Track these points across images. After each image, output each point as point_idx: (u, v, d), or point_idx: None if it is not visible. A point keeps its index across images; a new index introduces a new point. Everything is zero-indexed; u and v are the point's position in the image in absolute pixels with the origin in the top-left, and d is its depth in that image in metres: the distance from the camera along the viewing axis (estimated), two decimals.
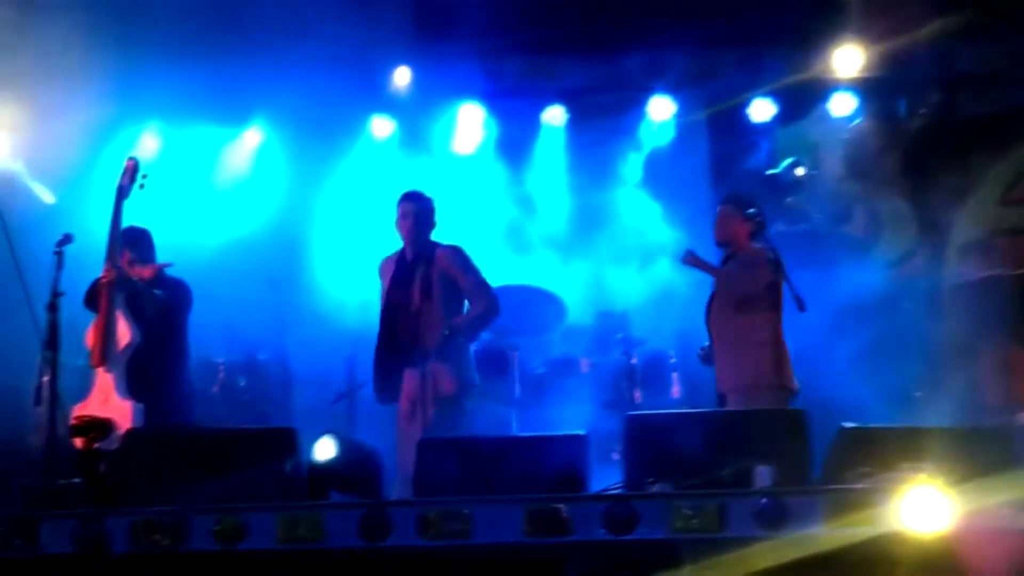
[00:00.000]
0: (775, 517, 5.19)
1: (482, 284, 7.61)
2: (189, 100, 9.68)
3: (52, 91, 8.95)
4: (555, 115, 10.37)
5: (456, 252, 7.66)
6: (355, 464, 6.08)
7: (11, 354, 7.66)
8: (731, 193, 8.05)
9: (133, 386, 7.31)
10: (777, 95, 10.15)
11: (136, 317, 7.40)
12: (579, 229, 10.42)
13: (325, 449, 6.04)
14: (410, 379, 7.48)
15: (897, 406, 8.38)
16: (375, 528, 5.34)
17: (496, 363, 8.88)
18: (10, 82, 8.95)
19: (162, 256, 7.79)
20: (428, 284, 7.52)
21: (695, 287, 8.18)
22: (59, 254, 7.09)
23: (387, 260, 7.77)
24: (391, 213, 7.74)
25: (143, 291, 7.46)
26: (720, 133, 10.31)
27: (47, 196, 9.46)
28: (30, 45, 8.70)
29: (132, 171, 7.45)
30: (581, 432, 6.07)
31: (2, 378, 7.86)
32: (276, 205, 10.16)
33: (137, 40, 8.95)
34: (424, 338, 7.43)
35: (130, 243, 7.58)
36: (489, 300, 7.59)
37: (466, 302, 7.60)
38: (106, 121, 9.35)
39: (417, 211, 7.67)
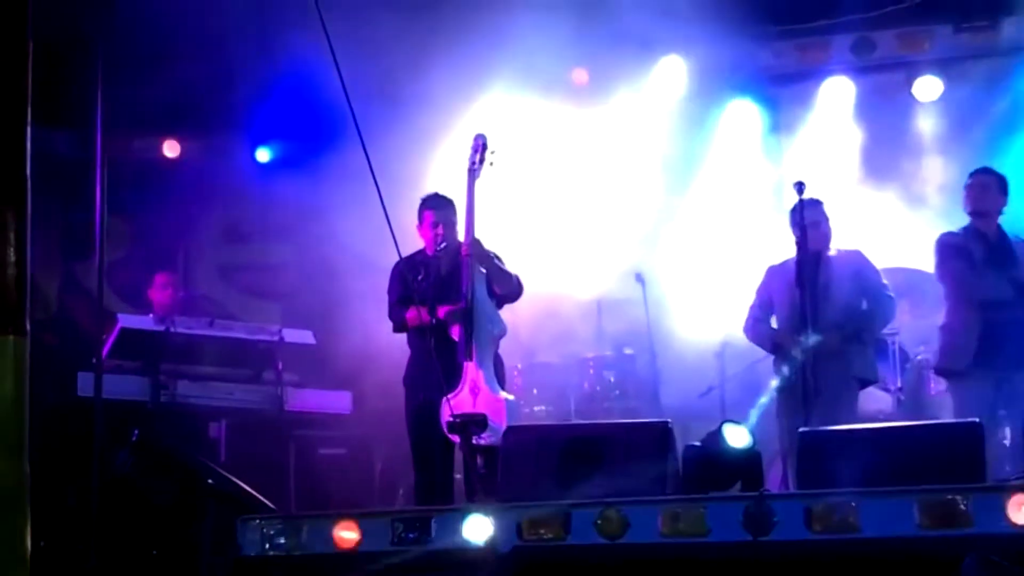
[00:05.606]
0: None
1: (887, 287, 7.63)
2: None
3: None
4: (928, 86, 9.84)
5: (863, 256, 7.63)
6: (737, 456, 5.93)
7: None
8: None
9: (500, 377, 7.02)
10: None
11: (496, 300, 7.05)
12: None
13: (737, 436, 5.93)
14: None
15: None
16: (759, 522, 5.21)
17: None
18: None
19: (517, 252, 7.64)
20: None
21: None
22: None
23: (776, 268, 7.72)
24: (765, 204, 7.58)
25: (502, 271, 7.10)
26: None
27: None
28: None
29: (481, 148, 7.08)
30: (975, 419, 5.78)
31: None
32: (639, 194, 10.12)
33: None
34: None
35: (435, 206, 7.27)
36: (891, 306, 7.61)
37: None
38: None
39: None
